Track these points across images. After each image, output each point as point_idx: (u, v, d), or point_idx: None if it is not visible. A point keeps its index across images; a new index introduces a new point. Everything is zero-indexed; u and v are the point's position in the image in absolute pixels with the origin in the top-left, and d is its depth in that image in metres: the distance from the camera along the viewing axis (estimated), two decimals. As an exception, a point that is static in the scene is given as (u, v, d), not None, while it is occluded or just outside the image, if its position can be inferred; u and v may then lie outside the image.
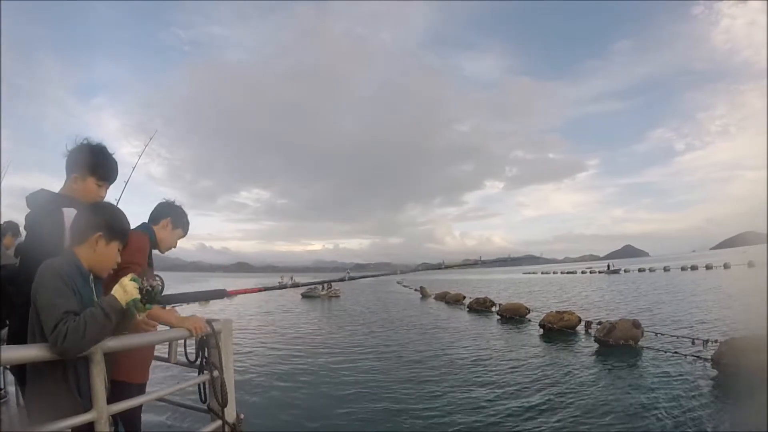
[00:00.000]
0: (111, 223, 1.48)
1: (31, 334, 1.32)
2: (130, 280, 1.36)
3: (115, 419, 1.47)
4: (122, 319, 1.37)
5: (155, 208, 2.15)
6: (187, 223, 2.19)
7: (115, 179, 1.86)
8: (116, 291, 1.35)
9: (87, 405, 1.34)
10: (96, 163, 1.73)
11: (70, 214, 1.53)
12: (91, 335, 1.25)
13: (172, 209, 2.15)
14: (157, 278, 1.41)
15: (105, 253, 1.46)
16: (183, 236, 2.18)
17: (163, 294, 1.40)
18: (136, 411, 1.80)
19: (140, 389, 1.84)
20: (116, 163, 1.85)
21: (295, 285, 1.82)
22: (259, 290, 1.78)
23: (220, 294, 1.40)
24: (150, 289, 1.37)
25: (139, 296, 1.35)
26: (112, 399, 1.41)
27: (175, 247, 2.16)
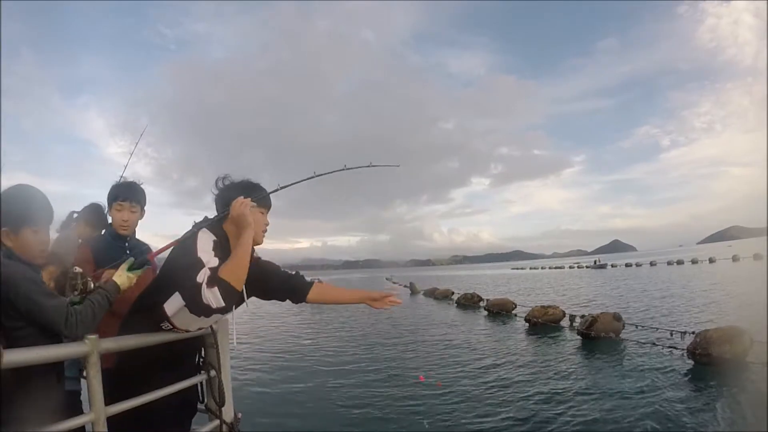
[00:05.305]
0: (13, 209, 1.37)
1: (11, 338, 1.28)
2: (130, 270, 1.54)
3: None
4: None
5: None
6: None
7: (269, 206, 1.68)
8: (119, 278, 1.49)
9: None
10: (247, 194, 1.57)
11: (204, 237, 1.46)
12: (99, 319, 1.39)
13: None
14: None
15: (25, 241, 1.39)
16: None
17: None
18: None
19: None
20: (267, 193, 1.66)
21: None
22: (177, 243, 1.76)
23: (143, 261, 1.56)
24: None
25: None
26: None
27: None
